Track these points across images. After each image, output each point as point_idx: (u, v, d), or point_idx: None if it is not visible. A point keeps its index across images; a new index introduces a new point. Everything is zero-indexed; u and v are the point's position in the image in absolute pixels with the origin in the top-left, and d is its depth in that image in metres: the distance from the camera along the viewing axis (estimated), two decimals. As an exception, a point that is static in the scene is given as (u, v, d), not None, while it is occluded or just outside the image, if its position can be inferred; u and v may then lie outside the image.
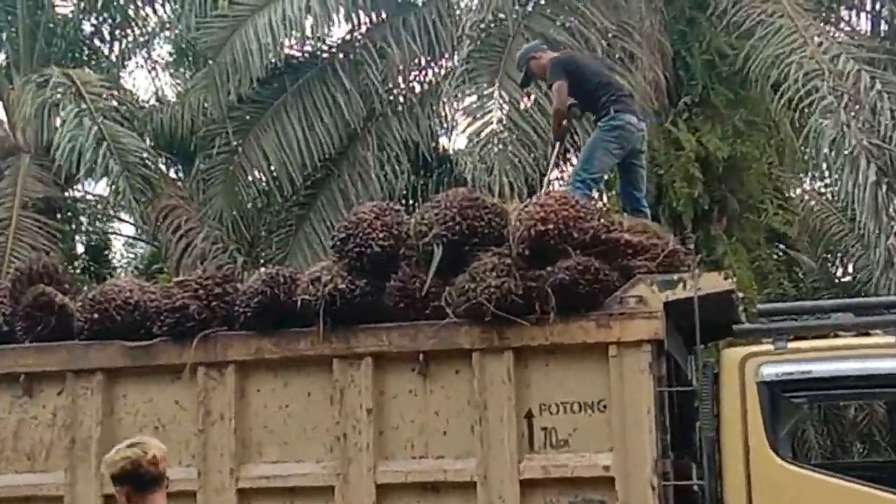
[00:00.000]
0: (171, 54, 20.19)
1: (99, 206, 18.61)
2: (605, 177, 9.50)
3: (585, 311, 6.90)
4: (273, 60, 14.33)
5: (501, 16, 12.96)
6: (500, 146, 12.32)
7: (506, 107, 12.64)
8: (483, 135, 12.49)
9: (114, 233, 20.60)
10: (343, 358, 7.16)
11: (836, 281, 17.32)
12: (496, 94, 12.67)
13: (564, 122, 9.02)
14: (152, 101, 18.76)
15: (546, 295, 6.87)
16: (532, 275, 6.98)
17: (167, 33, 19.28)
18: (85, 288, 8.53)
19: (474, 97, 12.85)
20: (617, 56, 13.12)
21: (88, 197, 18.35)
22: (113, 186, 14.30)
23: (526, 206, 7.21)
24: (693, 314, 6.78)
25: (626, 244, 7.20)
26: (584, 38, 12.90)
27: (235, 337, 7.38)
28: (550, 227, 6.98)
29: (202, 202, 15.07)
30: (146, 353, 7.47)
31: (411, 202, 15.15)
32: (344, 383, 7.15)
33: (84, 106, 14.53)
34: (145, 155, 14.68)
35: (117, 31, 18.68)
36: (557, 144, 9.27)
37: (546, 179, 9.59)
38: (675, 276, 6.96)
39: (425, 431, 7.05)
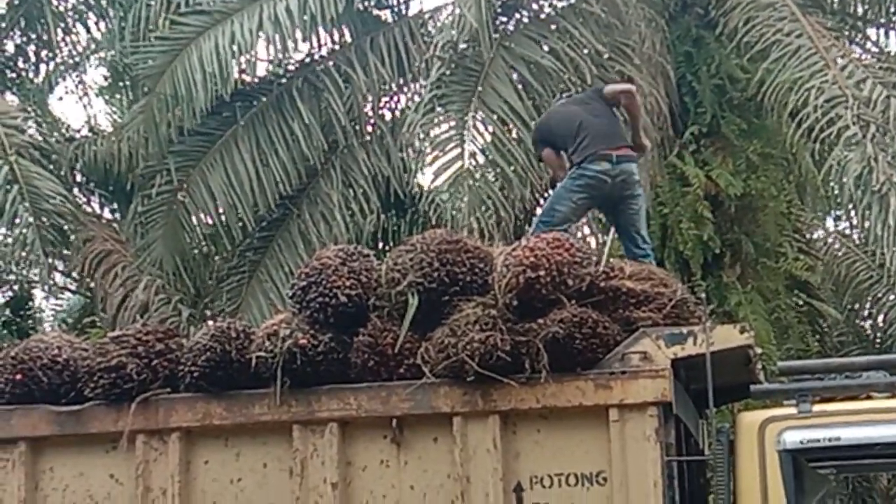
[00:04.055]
0: (105, 78, 20.21)
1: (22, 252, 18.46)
2: (571, 226, 9.51)
3: (582, 369, 6.90)
4: (220, 92, 14.33)
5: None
6: (473, 184, 12.35)
7: (481, 140, 12.68)
8: (453, 170, 12.52)
9: (37, 282, 20.45)
10: (304, 424, 7.12)
11: (865, 334, 17.39)
12: (470, 124, 12.71)
13: None
14: (84, 131, 18.71)
15: (537, 351, 6.87)
16: (521, 328, 6.98)
17: (101, 54, 19.30)
18: (6, 345, 8.45)
19: (444, 127, 12.89)
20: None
21: (9, 241, 18.22)
22: (20, 236, 14.13)
23: (513, 250, 7.23)
24: (705, 372, 6.78)
25: (629, 293, 7.22)
26: (573, 63, 12.98)
27: (180, 400, 7.33)
28: (542, 273, 6.99)
29: (141, 248, 15.03)
30: (76, 420, 7.40)
31: (382, 245, 15.15)
32: (305, 453, 7.10)
33: None
34: (58, 200, 14.39)
35: (44, 52, 18.67)
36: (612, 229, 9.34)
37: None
38: (685, 330, 6.97)
39: (399, 509, 7.00)
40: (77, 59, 19.35)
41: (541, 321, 6.94)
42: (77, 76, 19.85)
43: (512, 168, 12.45)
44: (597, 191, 8.55)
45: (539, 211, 13.38)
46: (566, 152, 8.75)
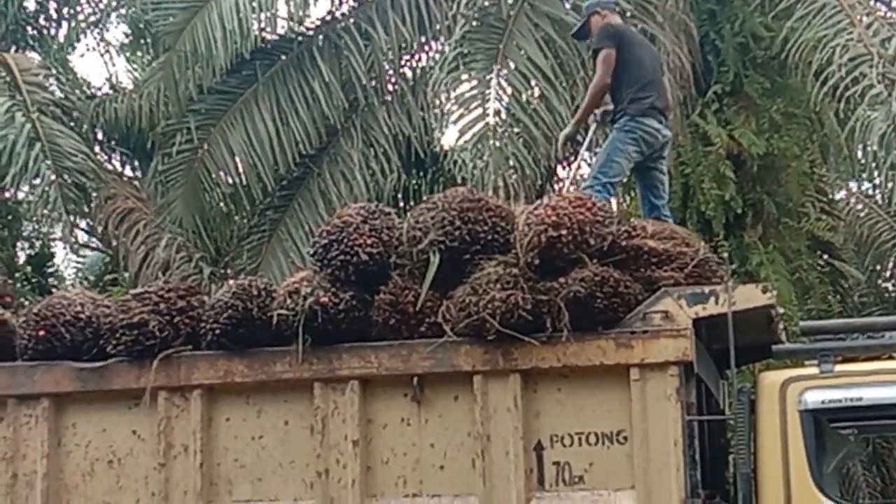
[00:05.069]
0: (126, 35, 20.20)
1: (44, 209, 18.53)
2: (624, 179, 9.60)
3: (603, 328, 6.91)
4: (240, 50, 14.31)
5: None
6: (497, 142, 12.33)
7: (505, 98, 12.65)
8: (477, 128, 12.50)
9: (60, 239, 20.54)
10: (325, 382, 7.15)
11: (887, 295, 17.34)
12: (494, 82, 12.67)
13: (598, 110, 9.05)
14: (105, 89, 18.74)
15: (558, 310, 6.87)
16: (542, 287, 6.97)
17: (122, 11, 19.30)
18: (28, 302, 8.50)
19: (468, 85, 12.86)
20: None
21: (31, 198, 18.30)
22: (43, 194, 14.21)
23: (535, 209, 7.20)
24: (726, 332, 6.78)
25: (650, 252, 7.21)
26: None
27: (202, 358, 7.36)
28: (563, 232, 6.98)
29: (161, 206, 15.07)
30: (99, 376, 7.44)
31: (403, 204, 15.14)
32: (326, 411, 7.13)
33: (19, 98, 14.45)
34: (79, 158, 14.41)
35: (65, 9, 18.66)
36: (593, 126, 9.21)
37: (574, 168, 9.60)
38: (706, 290, 6.96)
39: (420, 466, 7.04)
40: (98, 16, 19.38)
41: (562, 280, 6.94)
42: (98, 33, 19.89)
43: (536, 126, 12.41)
44: (647, 146, 8.66)
45: (560, 169, 13.41)
46: (622, 87, 8.73)
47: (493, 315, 6.87)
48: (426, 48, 15.44)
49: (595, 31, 9.13)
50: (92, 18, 19.25)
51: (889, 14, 13.80)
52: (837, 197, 17.28)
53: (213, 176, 14.89)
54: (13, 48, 17.19)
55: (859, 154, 14.41)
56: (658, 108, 8.83)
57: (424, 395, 7.07)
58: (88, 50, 20.47)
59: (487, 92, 12.57)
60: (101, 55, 20.36)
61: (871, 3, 13.39)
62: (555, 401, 6.94)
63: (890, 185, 12.16)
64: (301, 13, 14.95)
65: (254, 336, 7.33)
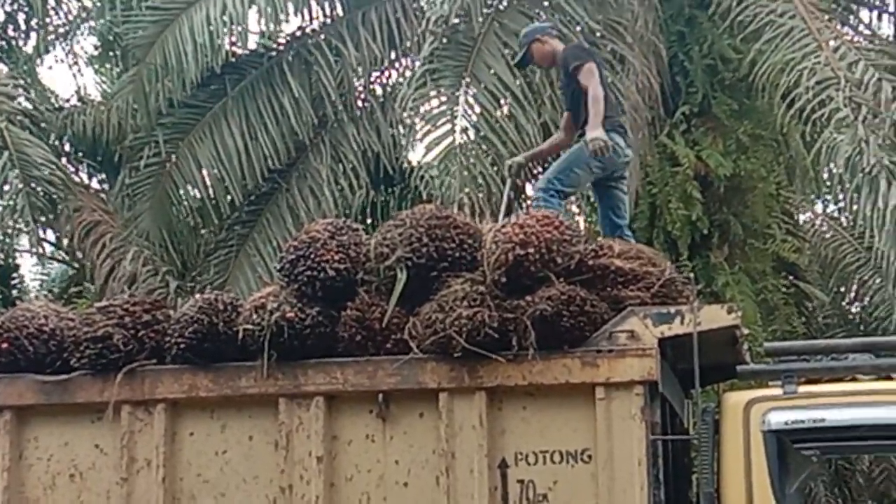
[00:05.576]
0: (95, 47, 20.13)
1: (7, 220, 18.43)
2: (581, 191, 9.61)
3: (569, 347, 6.90)
4: (210, 64, 14.29)
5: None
6: (464, 159, 12.35)
7: (473, 115, 12.67)
8: (444, 145, 12.51)
9: (25, 250, 20.42)
10: (290, 397, 7.13)
11: (851, 317, 17.45)
12: (462, 99, 12.70)
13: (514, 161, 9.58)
14: (73, 101, 18.66)
15: (525, 328, 6.87)
16: (509, 305, 6.98)
17: (91, 23, 19.23)
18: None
19: (436, 102, 12.88)
20: (604, 60, 13.19)
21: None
22: (10, 203, 14.14)
23: (503, 227, 7.22)
24: (691, 352, 6.79)
25: (617, 271, 7.22)
26: (565, 39, 12.95)
27: (166, 372, 7.32)
28: (531, 250, 6.99)
29: (128, 219, 15.01)
30: (62, 389, 7.39)
31: (371, 220, 15.14)
32: (291, 426, 7.10)
33: None
34: (47, 171, 14.34)
35: (34, 21, 18.59)
36: (509, 180, 9.66)
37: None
38: (672, 309, 6.97)
39: (384, 483, 7.02)
40: (67, 27, 19.28)
41: (529, 298, 6.94)
42: (67, 45, 19.80)
43: (504, 144, 12.43)
44: (610, 163, 8.59)
45: (528, 188, 13.44)
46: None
47: (460, 332, 6.87)
48: (396, 65, 15.47)
49: (543, 59, 9.24)
50: (61, 30, 19.17)
51: (856, 38, 13.94)
52: (803, 219, 17.40)
53: (181, 190, 14.84)
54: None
55: (825, 176, 14.53)
56: (625, 127, 8.95)
57: (389, 412, 7.05)
58: (57, 61, 20.46)
59: (455, 109, 12.60)
60: (70, 67, 20.28)
61: (839, 27, 13.51)
62: (520, 419, 6.94)
63: (855, 207, 12.22)
64: (272, 28, 14.92)
65: (219, 351, 7.29)
